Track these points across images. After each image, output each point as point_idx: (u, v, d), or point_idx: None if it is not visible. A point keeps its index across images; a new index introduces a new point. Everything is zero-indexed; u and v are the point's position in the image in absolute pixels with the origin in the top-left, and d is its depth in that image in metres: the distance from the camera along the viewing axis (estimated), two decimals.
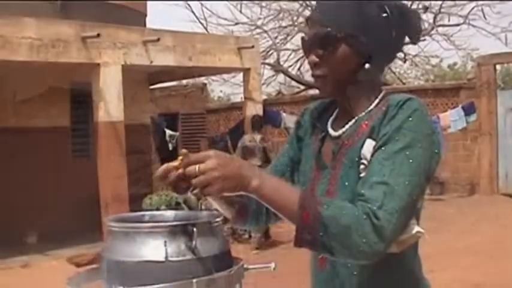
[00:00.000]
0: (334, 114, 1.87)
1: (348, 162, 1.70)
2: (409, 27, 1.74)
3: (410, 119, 1.62)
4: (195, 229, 1.54)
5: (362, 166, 1.66)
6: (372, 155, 1.63)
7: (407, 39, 1.79)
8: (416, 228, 1.62)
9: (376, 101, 1.76)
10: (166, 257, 1.51)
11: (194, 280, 1.50)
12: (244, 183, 1.54)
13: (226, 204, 1.84)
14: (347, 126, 1.77)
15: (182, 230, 1.55)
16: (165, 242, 1.52)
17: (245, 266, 1.67)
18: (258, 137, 10.61)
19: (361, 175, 1.64)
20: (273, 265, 1.72)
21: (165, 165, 1.60)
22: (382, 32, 1.71)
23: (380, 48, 1.73)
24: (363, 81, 1.75)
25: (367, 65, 1.72)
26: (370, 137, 1.68)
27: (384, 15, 1.70)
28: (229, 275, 1.58)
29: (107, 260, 1.59)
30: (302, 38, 1.80)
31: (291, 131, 2.05)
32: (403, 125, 1.61)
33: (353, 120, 1.76)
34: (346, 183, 1.69)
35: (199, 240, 1.54)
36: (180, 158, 1.53)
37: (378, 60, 1.75)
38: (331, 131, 1.83)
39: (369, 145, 1.66)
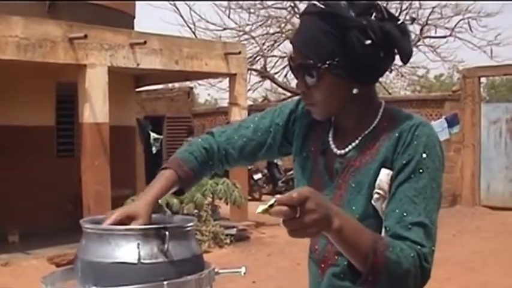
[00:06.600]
0: (332, 127, 1.79)
1: (356, 186, 1.66)
2: (396, 48, 1.62)
3: (428, 148, 1.61)
4: (167, 233, 1.57)
5: (376, 195, 1.63)
6: (392, 186, 1.61)
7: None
8: None
9: (379, 116, 1.70)
10: (139, 259, 1.55)
11: (165, 282, 1.55)
12: (328, 224, 1.41)
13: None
14: (353, 145, 1.71)
15: (155, 234, 1.59)
16: (138, 244, 1.56)
17: (216, 270, 1.71)
18: None
19: (374, 203, 1.62)
20: (243, 270, 1.76)
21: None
22: (369, 57, 1.59)
23: (368, 71, 1.64)
24: (357, 100, 1.67)
25: (355, 90, 1.64)
26: (383, 166, 1.63)
27: (368, 42, 1.57)
28: (199, 278, 1.62)
29: (81, 260, 1.62)
30: (289, 60, 1.72)
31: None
32: (423, 156, 1.59)
33: (358, 139, 1.70)
34: (354, 208, 1.65)
35: (171, 243, 1.58)
36: (270, 203, 1.33)
37: (367, 81, 1.68)
38: (333, 148, 1.75)
39: (385, 175, 1.62)
